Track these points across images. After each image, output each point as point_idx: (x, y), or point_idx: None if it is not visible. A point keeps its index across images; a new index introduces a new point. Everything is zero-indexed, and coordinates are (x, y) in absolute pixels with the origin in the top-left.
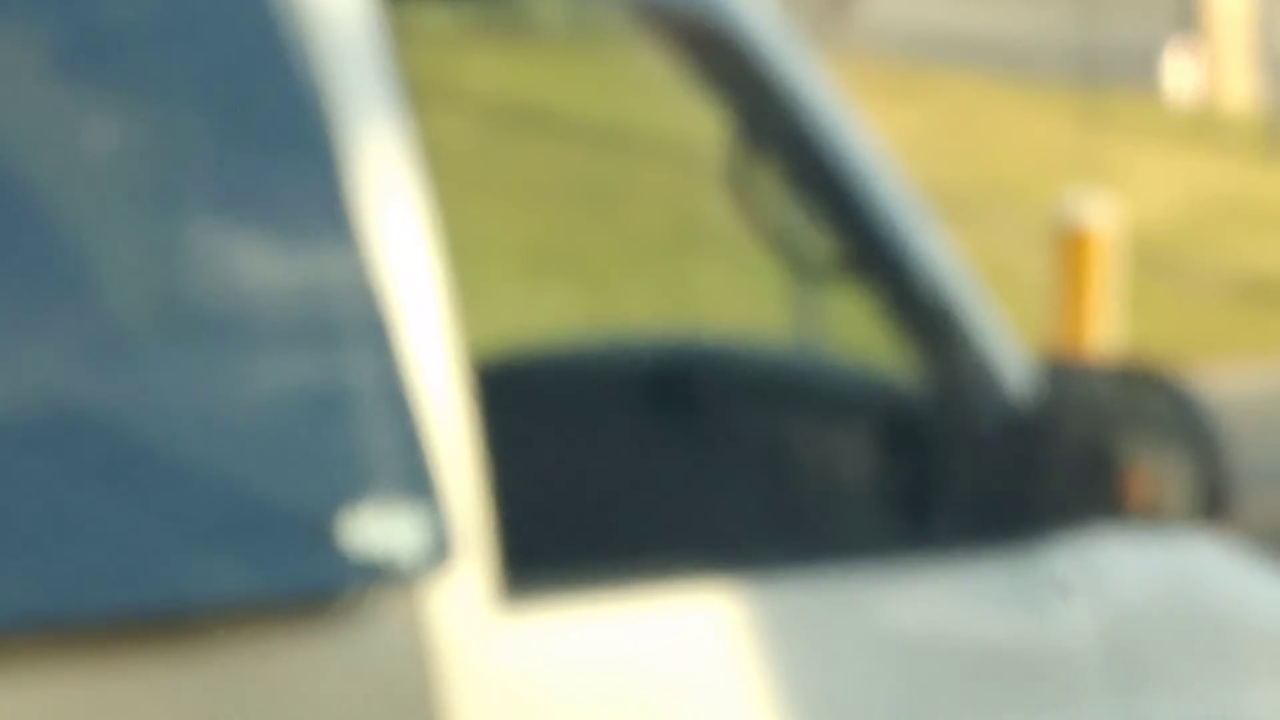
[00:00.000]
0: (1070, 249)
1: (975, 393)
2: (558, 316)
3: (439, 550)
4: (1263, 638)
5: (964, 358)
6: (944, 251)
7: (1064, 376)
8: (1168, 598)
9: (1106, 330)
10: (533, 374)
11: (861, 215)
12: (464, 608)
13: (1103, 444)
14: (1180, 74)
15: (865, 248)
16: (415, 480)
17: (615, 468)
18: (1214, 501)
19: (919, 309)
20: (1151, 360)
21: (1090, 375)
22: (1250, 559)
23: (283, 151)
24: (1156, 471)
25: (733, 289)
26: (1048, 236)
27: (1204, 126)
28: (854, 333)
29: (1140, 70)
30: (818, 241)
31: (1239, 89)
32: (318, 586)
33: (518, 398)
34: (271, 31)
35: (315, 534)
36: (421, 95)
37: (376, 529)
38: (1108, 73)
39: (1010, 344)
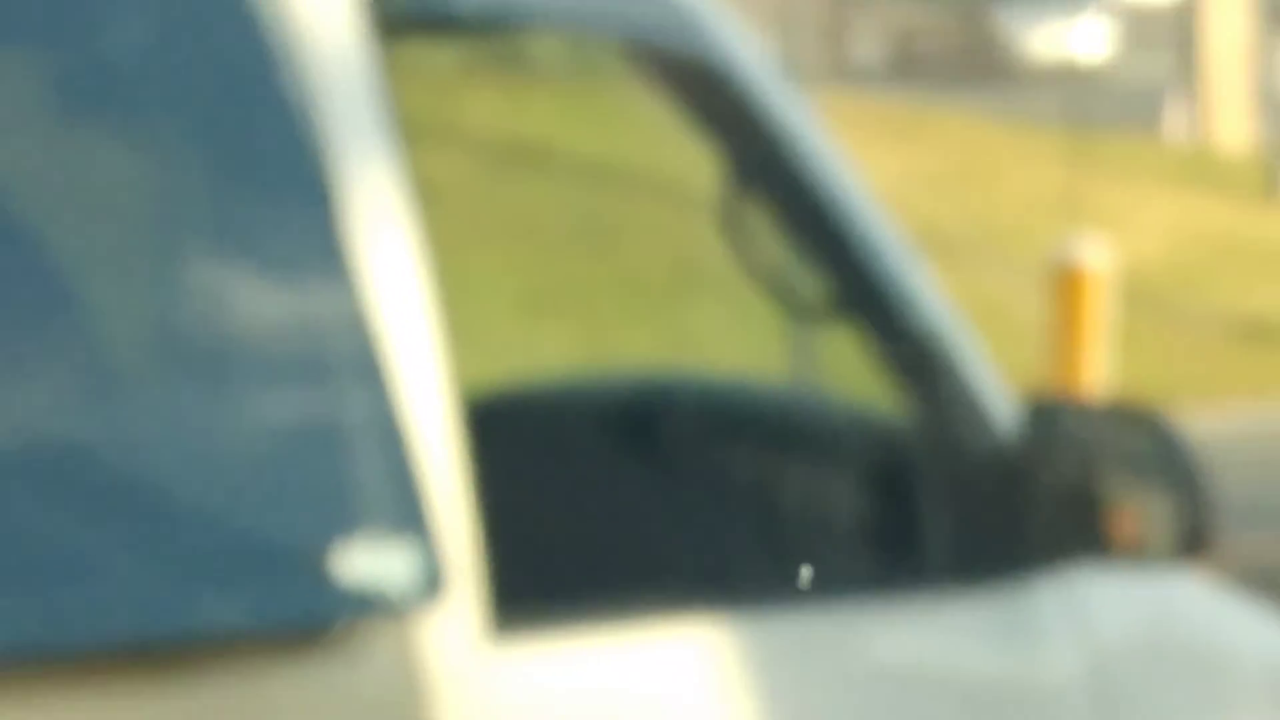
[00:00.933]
0: (1064, 289)
1: (962, 431)
2: (553, 354)
3: (430, 583)
4: (1244, 676)
5: (952, 396)
6: (933, 291)
7: (1050, 415)
8: (1151, 635)
9: (1099, 370)
10: (524, 410)
11: (851, 255)
12: (455, 641)
13: (1088, 482)
14: (1177, 116)
15: (855, 287)
16: (407, 514)
17: (605, 503)
18: (1197, 540)
19: (908, 348)
20: (1137, 399)
21: (1075, 414)
22: (1233, 597)
23: (276, 187)
24: (1141, 510)
25: (728, 328)
26: (1042, 276)
27: (1200, 168)
28: (846, 372)
29: (1138, 111)
30: (809, 281)
31: (1235, 131)
32: (309, 619)
33: (509, 433)
34: (266, 69)
35: (307, 567)
36: (418, 133)
37: (368, 562)
38: (1107, 114)
39: (998, 383)
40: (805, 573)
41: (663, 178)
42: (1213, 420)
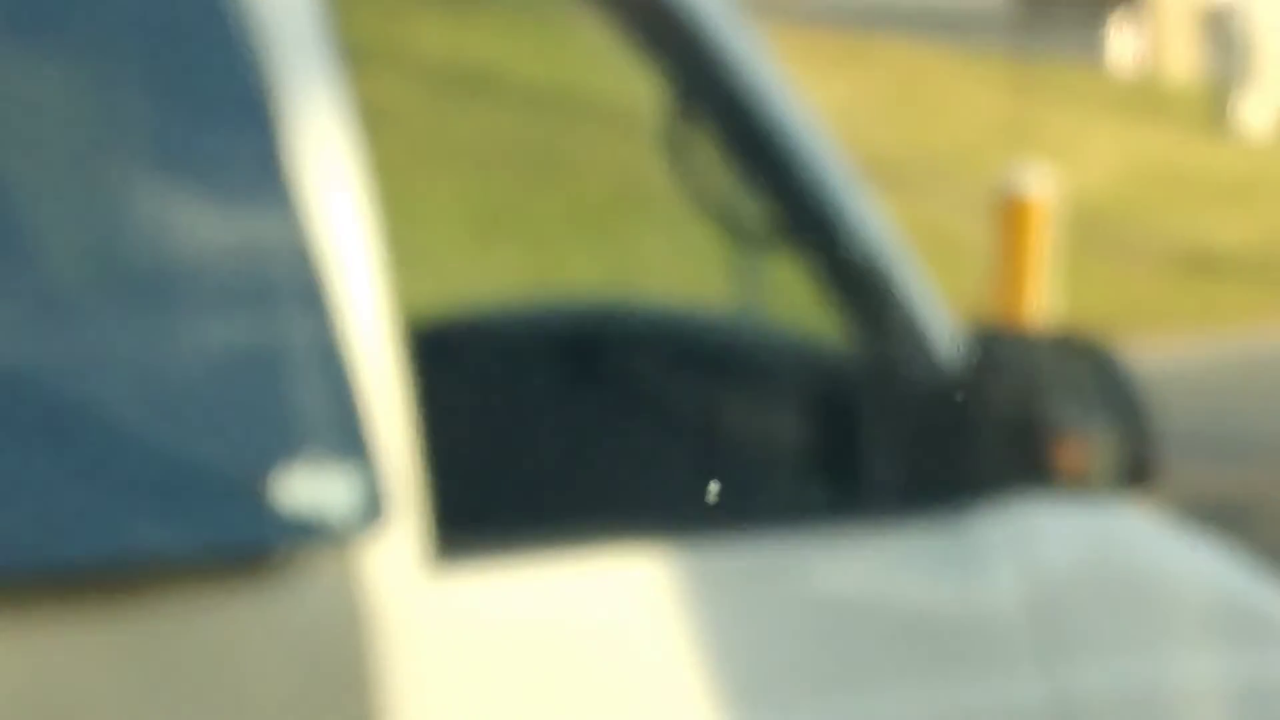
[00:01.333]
0: (1009, 218)
1: (906, 360)
2: (501, 280)
3: (371, 510)
4: (1186, 607)
5: (895, 325)
6: (877, 220)
7: (993, 345)
8: (1094, 565)
9: (1044, 300)
10: (466, 337)
11: (795, 182)
12: (396, 568)
13: (1031, 412)
14: (1123, 45)
15: (799, 215)
16: (348, 440)
17: (547, 431)
18: (1140, 471)
19: (851, 276)
20: (1081, 329)
21: (1019, 343)
22: (1175, 527)
23: (219, 113)
24: (1084, 440)
25: (673, 255)
26: (987, 205)
27: (1146, 97)
28: (790, 300)
29: (1084, 40)
30: (753, 208)
31: (1182, 60)
32: (250, 545)
33: (451, 360)
34: None
35: (248, 493)
36: (364, 58)
37: (309, 488)
38: (1051, 42)
39: (942, 311)
40: (712, 489)
41: (609, 105)
42: (1157, 351)
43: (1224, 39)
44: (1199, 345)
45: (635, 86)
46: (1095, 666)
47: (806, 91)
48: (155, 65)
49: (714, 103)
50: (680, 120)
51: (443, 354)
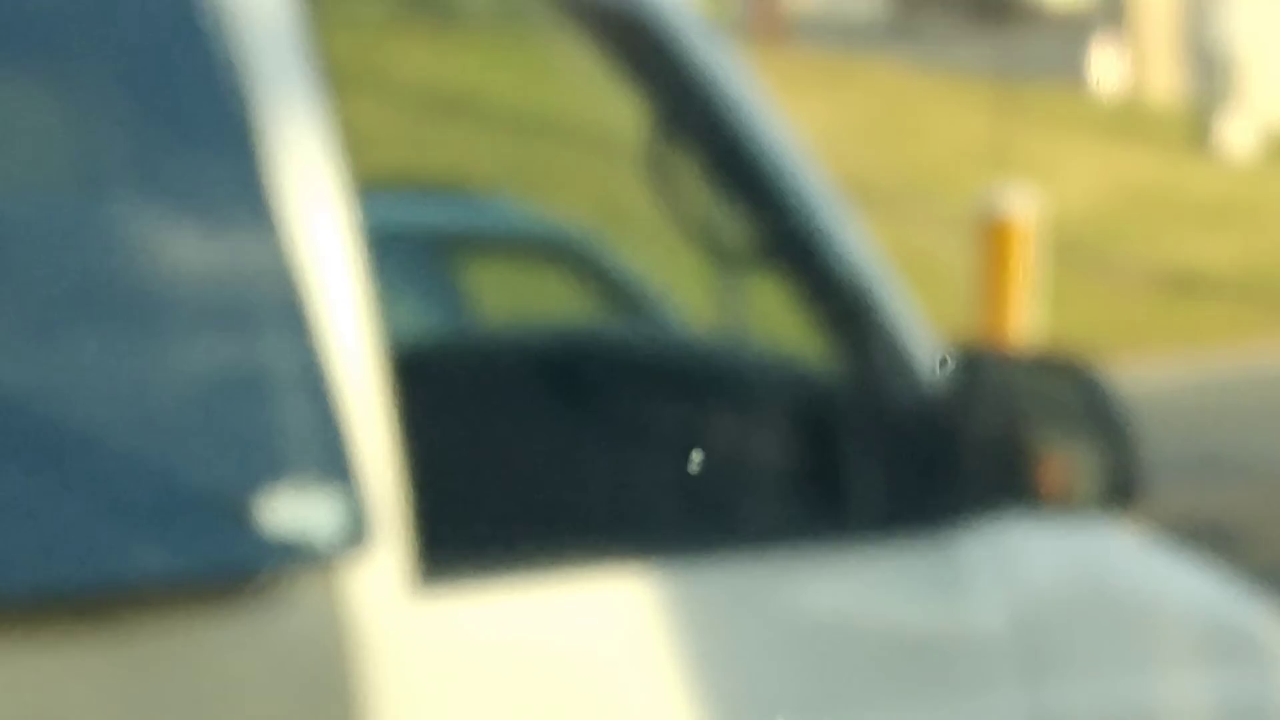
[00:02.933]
0: (991, 239)
1: (889, 380)
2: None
3: (355, 532)
4: (1170, 627)
5: (878, 346)
6: (859, 241)
7: (976, 365)
8: (1077, 585)
9: (1026, 321)
10: (451, 360)
11: (777, 204)
12: (380, 590)
13: (1015, 433)
14: (1105, 66)
15: (781, 236)
16: (332, 463)
17: (532, 454)
18: (1124, 491)
19: (834, 297)
20: (1065, 350)
21: (1002, 364)
22: (1159, 547)
23: (202, 137)
24: (1068, 460)
25: (657, 276)
26: (969, 226)
27: (1128, 119)
28: (773, 321)
29: (1065, 61)
30: (735, 230)
31: (1164, 82)
32: (234, 567)
33: (436, 383)
34: (191, 17)
35: (232, 515)
36: (346, 81)
37: (293, 511)
38: (1033, 64)
39: (925, 332)
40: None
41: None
42: (1139, 371)
43: (1206, 60)
44: (1181, 366)
45: (615, 110)
46: (1079, 686)
47: (787, 113)
48: (139, 88)
49: (696, 125)
50: (662, 142)
51: (426, 376)
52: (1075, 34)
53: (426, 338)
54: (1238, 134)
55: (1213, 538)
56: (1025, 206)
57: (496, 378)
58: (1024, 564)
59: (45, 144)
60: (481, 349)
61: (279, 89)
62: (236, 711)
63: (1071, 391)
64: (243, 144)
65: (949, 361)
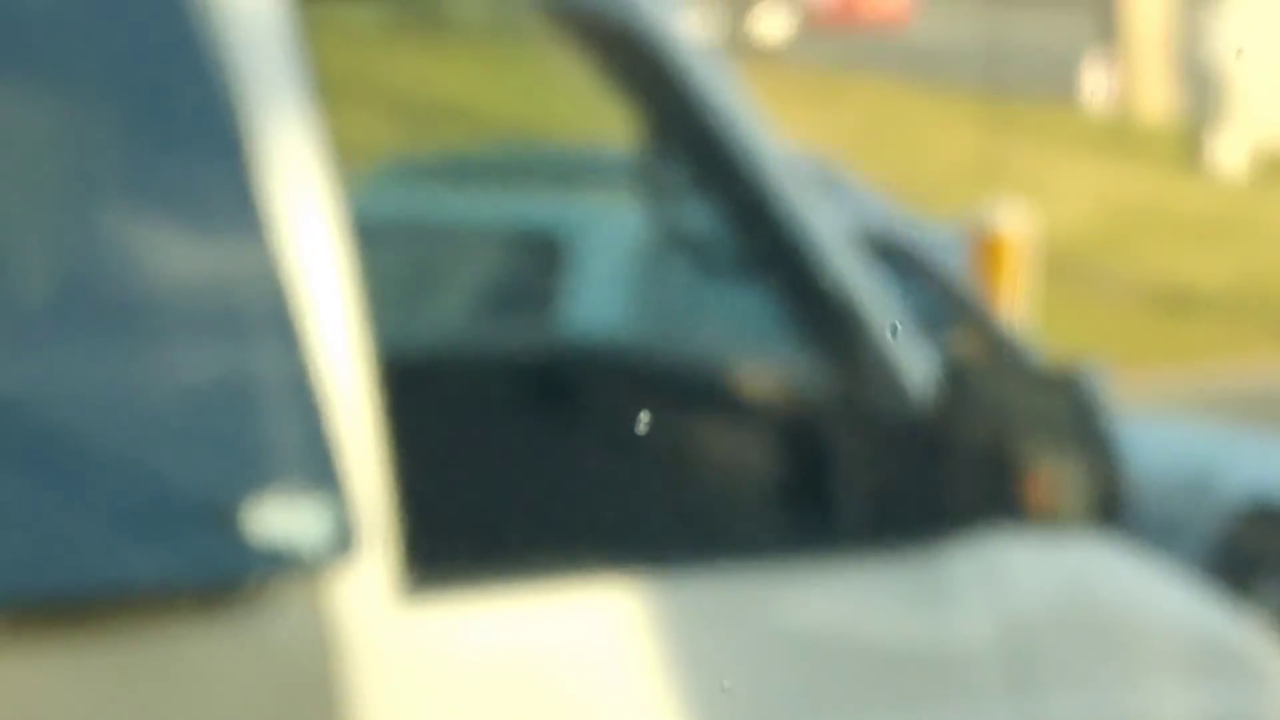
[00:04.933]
0: (983, 255)
1: (878, 393)
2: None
3: (343, 540)
4: (1158, 641)
5: (867, 358)
6: (849, 254)
7: (965, 378)
8: (1065, 599)
9: (1018, 336)
10: (440, 369)
11: (768, 216)
12: (367, 598)
13: (1003, 446)
14: (1096, 82)
15: (770, 248)
16: (320, 471)
17: (519, 464)
18: (1112, 505)
19: (822, 309)
20: (1054, 363)
21: (991, 377)
22: (1145, 561)
23: (193, 144)
24: (1056, 474)
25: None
26: (961, 242)
27: (1119, 135)
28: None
29: (1057, 78)
30: (724, 241)
31: (1155, 99)
32: (222, 574)
33: (424, 393)
34: (183, 25)
35: (220, 522)
36: (337, 91)
37: (281, 518)
38: (1024, 80)
39: (914, 345)
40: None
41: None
42: (1133, 389)
43: (1198, 77)
44: (1173, 382)
45: (608, 119)
46: (1065, 698)
47: (779, 128)
48: (129, 94)
49: (686, 136)
50: (652, 153)
51: (414, 386)
52: (1064, 51)
53: (413, 345)
54: (1229, 151)
55: None
56: (1017, 222)
57: (485, 387)
58: (1011, 577)
59: (34, 149)
60: (471, 358)
61: (270, 95)
62: (223, 717)
63: (1060, 405)
64: (233, 150)
65: (898, 331)
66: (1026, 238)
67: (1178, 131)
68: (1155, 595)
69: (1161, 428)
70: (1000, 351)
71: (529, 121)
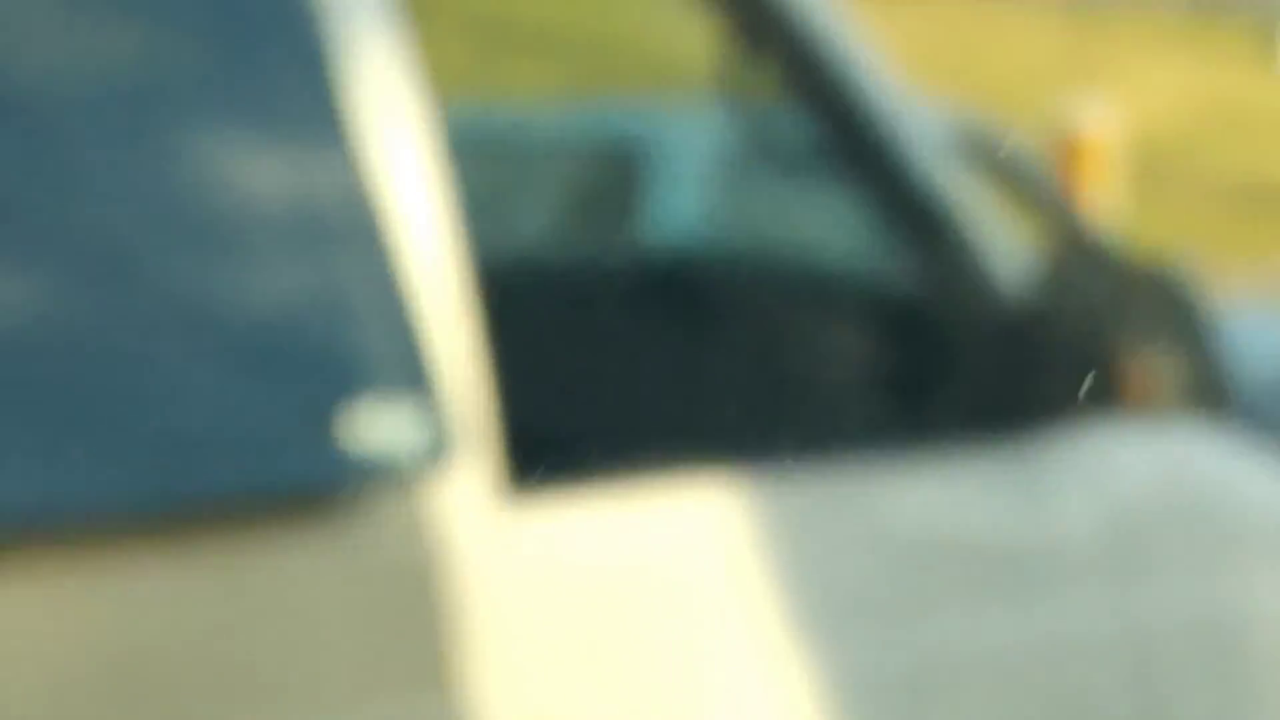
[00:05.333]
0: (1067, 155)
1: (971, 287)
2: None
3: (440, 446)
4: (1257, 529)
5: (961, 251)
6: (939, 152)
7: (1061, 269)
8: (1164, 489)
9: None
10: (528, 276)
11: (854, 115)
12: (466, 504)
13: (1100, 337)
14: None
15: (858, 147)
16: (415, 376)
17: (616, 362)
18: (1212, 394)
19: (915, 204)
20: (1146, 258)
21: (1088, 268)
22: (1247, 452)
23: (277, 55)
24: (1154, 364)
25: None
26: (1046, 142)
27: (1203, 33)
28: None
29: None
30: (811, 143)
31: None
32: (317, 484)
33: (519, 293)
34: None
35: (314, 432)
36: (421, 6)
37: (376, 426)
38: None
39: (1007, 240)
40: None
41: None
42: (1221, 286)
43: None
44: (1257, 280)
45: (688, 34)
46: (1165, 589)
47: (862, 31)
48: (213, 12)
49: (772, 42)
50: (737, 54)
51: (507, 292)
52: None
53: (503, 254)
54: None
55: None
56: (1101, 121)
57: (584, 288)
58: (1111, 469)
59: (118, 67)
60: (570, 260)
61: (356, 6)
62: (322, 633)
63: (1157, 297)
64: (319, 59)
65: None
66: (1111, 136)
67: (1260, 28)
68: (1257, 485)
69: (1264, 318)
70: (1090, 248)
71: (613, 37)
